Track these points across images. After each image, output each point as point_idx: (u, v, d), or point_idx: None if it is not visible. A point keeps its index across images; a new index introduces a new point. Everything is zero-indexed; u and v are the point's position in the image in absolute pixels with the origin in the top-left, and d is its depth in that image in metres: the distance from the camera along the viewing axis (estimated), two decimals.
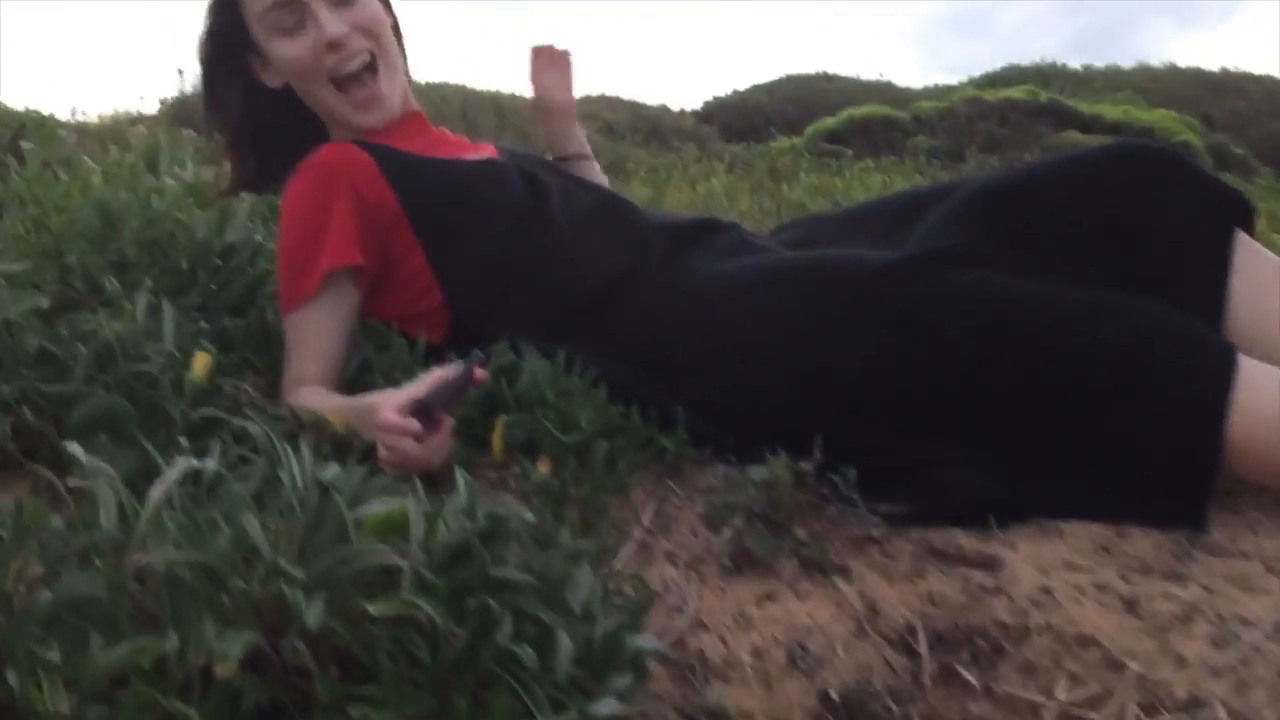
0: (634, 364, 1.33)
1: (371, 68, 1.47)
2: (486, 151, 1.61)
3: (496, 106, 9.22)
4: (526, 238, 1.47)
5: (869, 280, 1.23)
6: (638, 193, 4.56)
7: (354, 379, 1.51)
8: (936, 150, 9.46)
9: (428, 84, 10.74)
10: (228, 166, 1.60)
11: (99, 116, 7.94)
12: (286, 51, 1.43)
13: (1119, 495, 1.16)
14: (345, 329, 1.43)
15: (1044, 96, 10.46)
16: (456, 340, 1.44)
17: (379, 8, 1.50)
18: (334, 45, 1.42)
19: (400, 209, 1.40)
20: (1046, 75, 14.89)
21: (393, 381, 1.36)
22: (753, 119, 15.25)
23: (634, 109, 15.00)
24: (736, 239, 1.50)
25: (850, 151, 10.10)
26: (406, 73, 1.63)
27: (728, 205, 3.90)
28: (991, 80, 14.67)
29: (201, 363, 1.01)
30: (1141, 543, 1.15)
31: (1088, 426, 1.17)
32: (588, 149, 1.76)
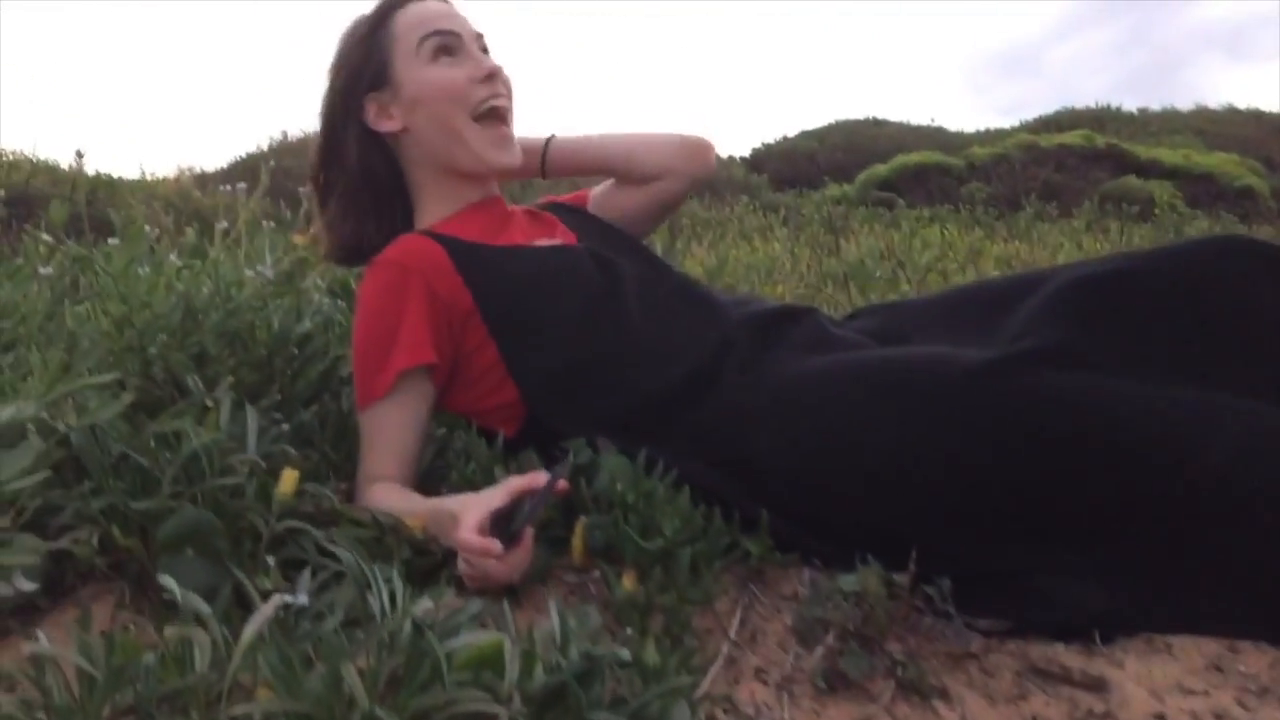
0: (715, 464, 1.30)
1: (508, 114, 1.50)
2: (563, 236, 1.60)
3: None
4: (600, 331, 1.44)
5: (962, 381, 1.18)
6: (698, 256, 4.56)
7: (429, 470, 1.50)
8: (992, 198, 9.37)
9: None
10: (320, 230, 1.60)
11: (165, 176, 8.18)
12: (440, 74, 1.44)
13: (1230, 609, 1.10)
14: (419, 425, 1.42)
15: (1100, 141, 10.33)
16: (531, 435, 1.42)
17: None
18: (491, 77, 1.45)
19: (472, 304, 1.40)
20: (1101, 118, 14.74)
21: (468, 480, 1.35)
22: (803, 166, 15.27)
23: None
24: (817, 331, 1.46)
25: (903, 200, 10.04)
26: None
27: (789, 267, 3.87)
28: (1045, 124, 14.56)
29: (289, 480, 1.01)
30: (1256, 660, 1.09)
31: (1195, 537, 1.11)
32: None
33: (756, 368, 1.37)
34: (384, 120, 1.49)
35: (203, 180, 8.54)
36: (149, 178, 8.34)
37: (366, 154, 1.51)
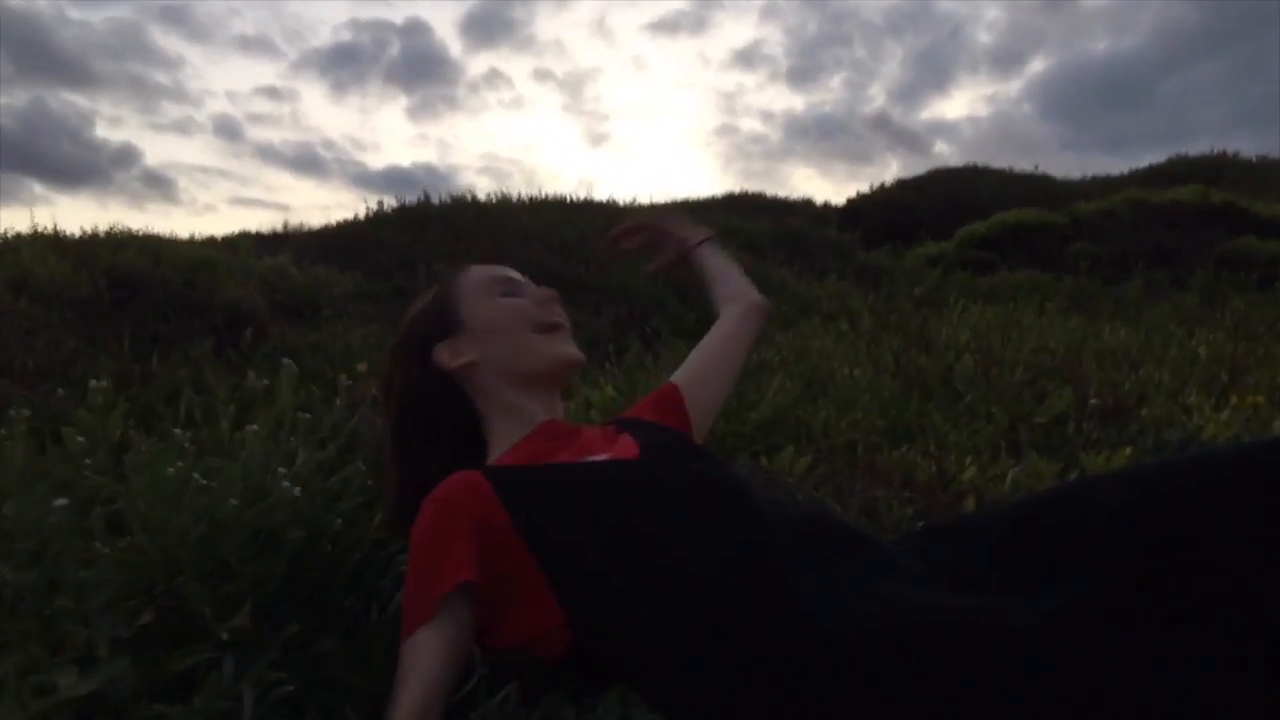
0: (764, 703, 1.18)
1: (567, 328, 1.60)
2: (623, 450, 1.52)
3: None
4: (634, 553, 1.35)
5: (1019, 646, 1.05)
6: (779, 345, 4.43)
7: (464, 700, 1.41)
8: (1098, 259, 8.97)
9: (570, 203, 11.01)
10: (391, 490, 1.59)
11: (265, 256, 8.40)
12: (505, 303, 1.56)
13: None
14: (456, 655, 1.34)
15: (1216, 197, 9.81)
16: (576, 660, 1.34)
17: None
18: (549, 300, 1.57)
19: (510, 522, 1.35)
20: (1218, 166, 14.08)
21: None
22: (899, 218, 14.97)
23: (776, 211, 14.98)
24: (877, 563, 1.34)
25: (1003, 262, 9.70)
26: None
27: (869, 374, 3.70)
28: (1156, 174, 13.97)
29: None
30: None
31: None
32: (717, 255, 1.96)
33: (808, 606, 1.25)
34: (456, 359, 1.55)
35: (303, 247, 8.75)
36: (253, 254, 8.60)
37: (440, 397, 1.57)
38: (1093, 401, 3.15)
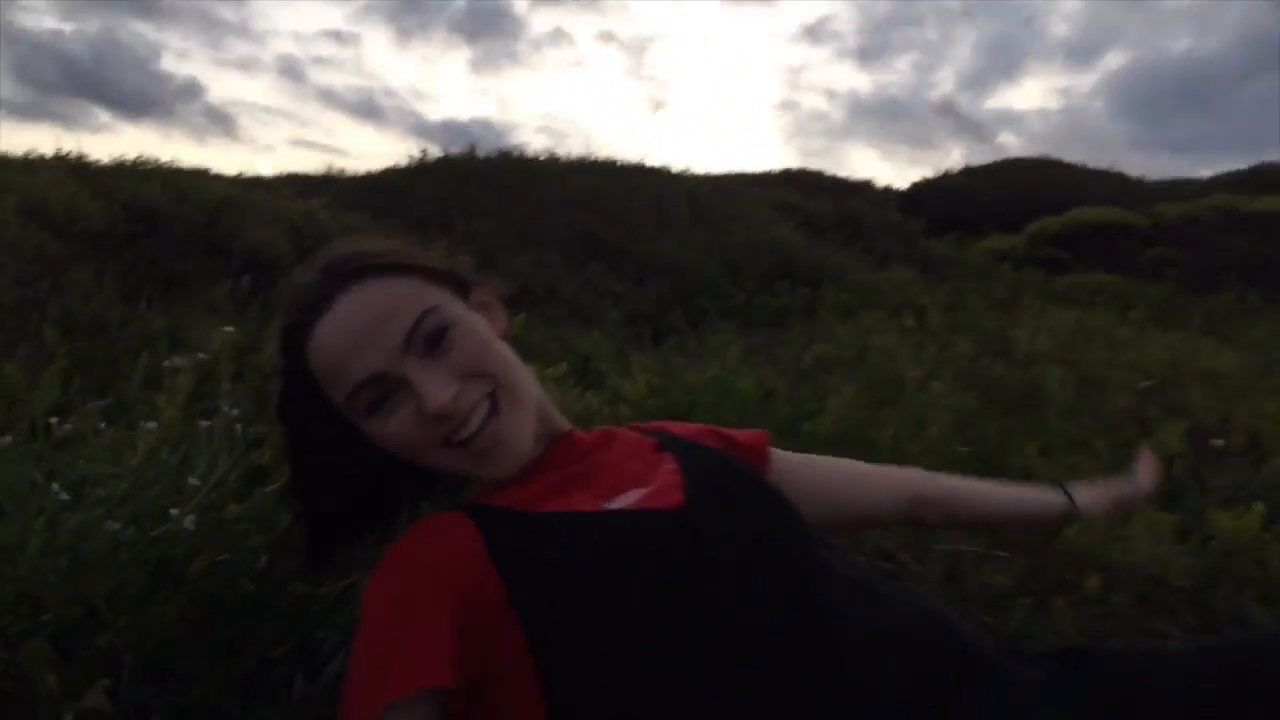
0: None
1: (494, 409, 1.04)
2: (662, 485, 1.06)
3: (692, 198, 8.77)
4: (673, 657, 0.93)
5: None
6: (839, 340, 3.97)
7: None
8: (1181, 267, 8.35)
9: (620, 166, 10.51)
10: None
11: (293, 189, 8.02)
12: (387, 430, 1.03)
13: None
14: None
15: None
16: None
17: (482, 331, 1.06)
18: (441, 418, 1.01)
19: (507, 598, 0.93)
20: None
21: None
22: (964, 207, 14.31)
23: (836, 191, 14.37)
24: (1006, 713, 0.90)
25: (1078, 261, 9.10)
26: (537, 388, 1.13)
27: (947, 380, 3.23)
28: (1242, 181, 13.16)
29: None
30: None
31: None
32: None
33: None
34: (365, 426, 1.07)
35: (343, 193, 8.37)
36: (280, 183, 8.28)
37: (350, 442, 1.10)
38: (1217, 442, 2.66)
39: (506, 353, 1.07)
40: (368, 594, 0.97)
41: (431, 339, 0.99)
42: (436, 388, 0.98)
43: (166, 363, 1.45)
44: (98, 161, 7.03)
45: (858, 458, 2.46)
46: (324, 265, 1.04)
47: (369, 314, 1.00)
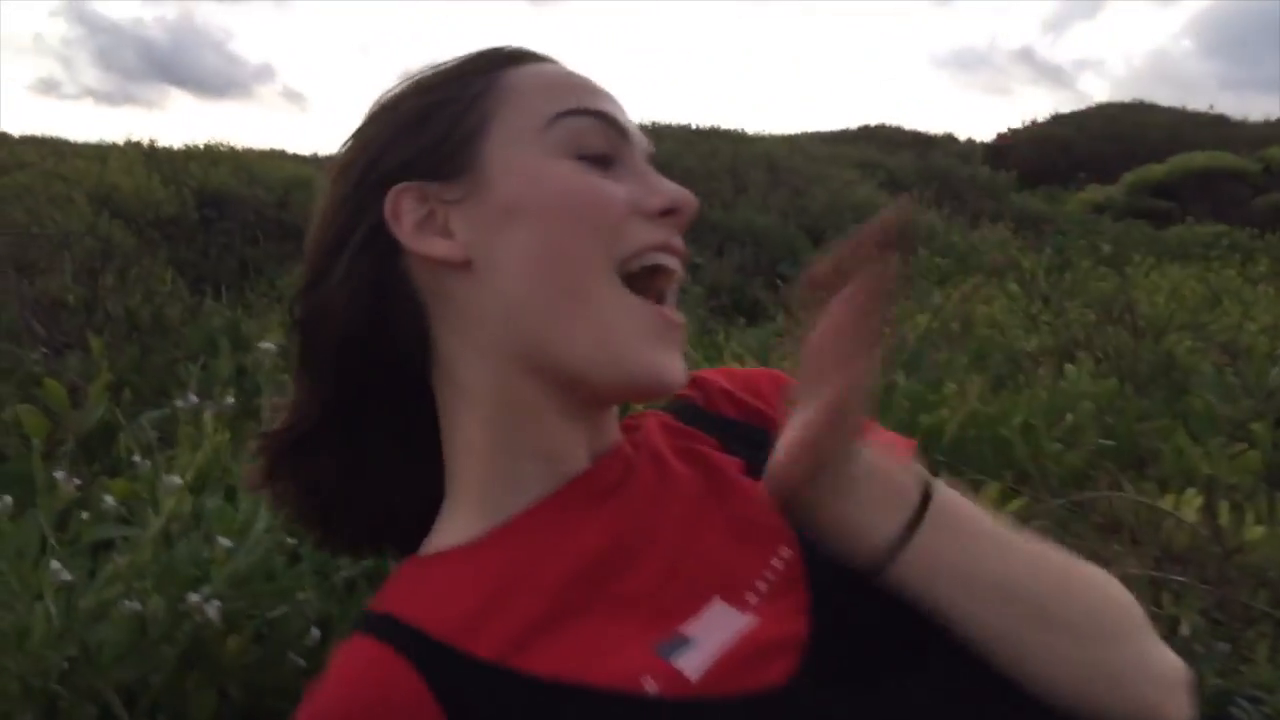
0: None
1: (675, 293, 0.70)
2: (774, 571, 0.67)
3: (769, 161, 8.41)
4: None
5: None
6: (944, 312, 3.66)
7: None
8: None
9: (696, 130, 10.18)
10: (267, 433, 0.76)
11: None
12: (580, 178, 0.66)
13: None
14: None
15: None
16: None
17: None
18: (671, 212, 0.67)
19: None
20: None
21: None
22: (1055, 157, 13.63)
23: (917, 146, 13.81)
24: None
25: (1188, 213, 8.53)
26: None
27: (1067, 351, 2.91)
28: None
29: None
30: None
31: None
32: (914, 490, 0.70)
33: None
34: (426, 235, 0.66)
35: None
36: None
37: (368, 299, 0.68)
38: None
39: None
40: None
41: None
42: (674, 188, 0.69)
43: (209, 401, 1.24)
44: (169, 147, 6.99)
45: (987, 452, 2.18)
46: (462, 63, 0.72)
47: (612, 95, 0.73)
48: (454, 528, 0.67)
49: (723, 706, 0.57)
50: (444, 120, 0.66)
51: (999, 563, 0.62)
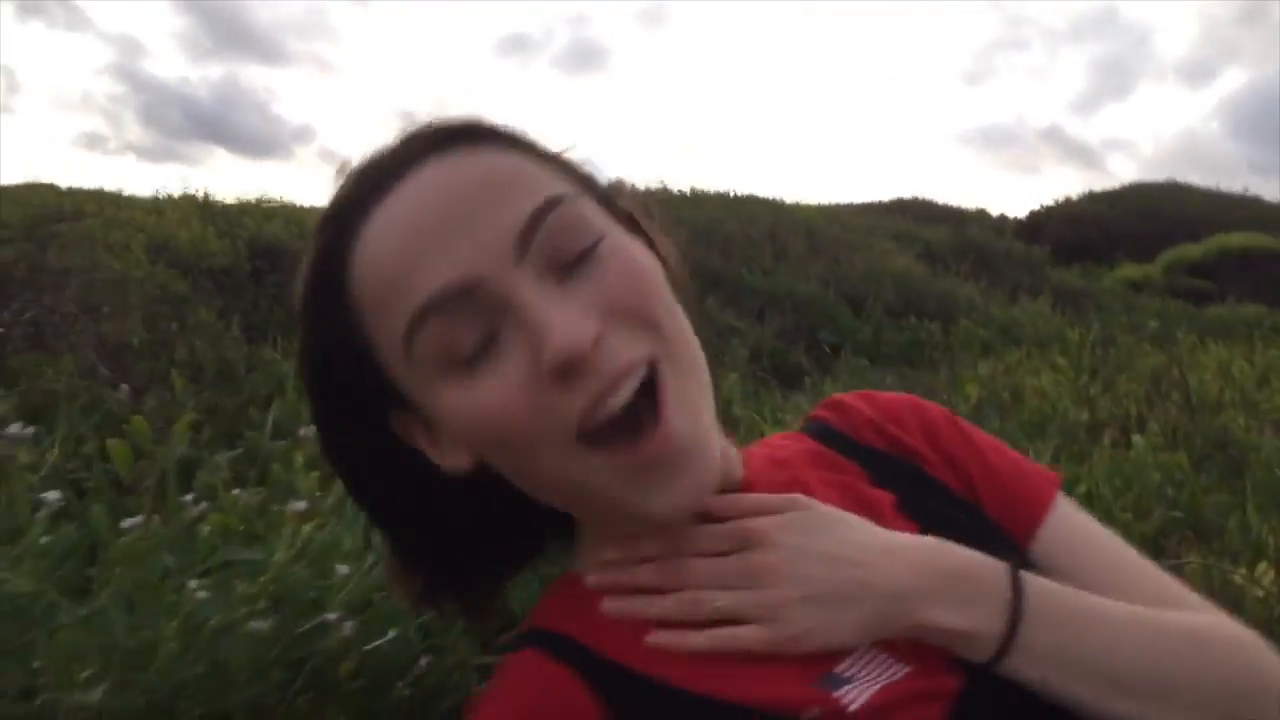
0: None
1: (649, 387, 0.61)
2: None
3: (808, 228, 8.51)
4: None
5: None
6: (988, 383, 3.66)
7: None
8: None
9: (734, 197, 10.30)
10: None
11: None
12: (475, 401, 0.60)
13: None
14: None
15: None
16: None
17: (641, 258, 0.65)
18: (568, 368, 0.58)
19: None
20: None
21: None
22: (1088, 234, 13.66)
23: (950, 219, 13.89)
24: None
25: (1221, 290, 8.51)
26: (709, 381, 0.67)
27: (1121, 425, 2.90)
28: None
29: None
30: None
31: None
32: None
33: None
34: (443, 452, 0.67)
35: None
36: None
37: (407, 456, 0.69)
38: None
39: (675, 305, 0.65)
40: None
41: (560, 250, 0.60)
42: (566, 317, 0.57)
43: (303, 432, 1.27)
44: (222, 200, 7.16)
45: None
46: (397, 135, 0.66)
47: (462, 189, 0.60)
48: (598, 546, 0.69)
49: None
50: (347, 371, 0.65)
51: (1108, 650, 0.64)
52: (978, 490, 0.75)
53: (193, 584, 0.90)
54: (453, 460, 0.65)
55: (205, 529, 1.11)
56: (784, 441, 0.81)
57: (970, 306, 6.45)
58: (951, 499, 0.74)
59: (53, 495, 1.03)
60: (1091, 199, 15.29)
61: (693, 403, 0.62)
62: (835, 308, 6.48)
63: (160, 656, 0.96)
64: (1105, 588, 0.69)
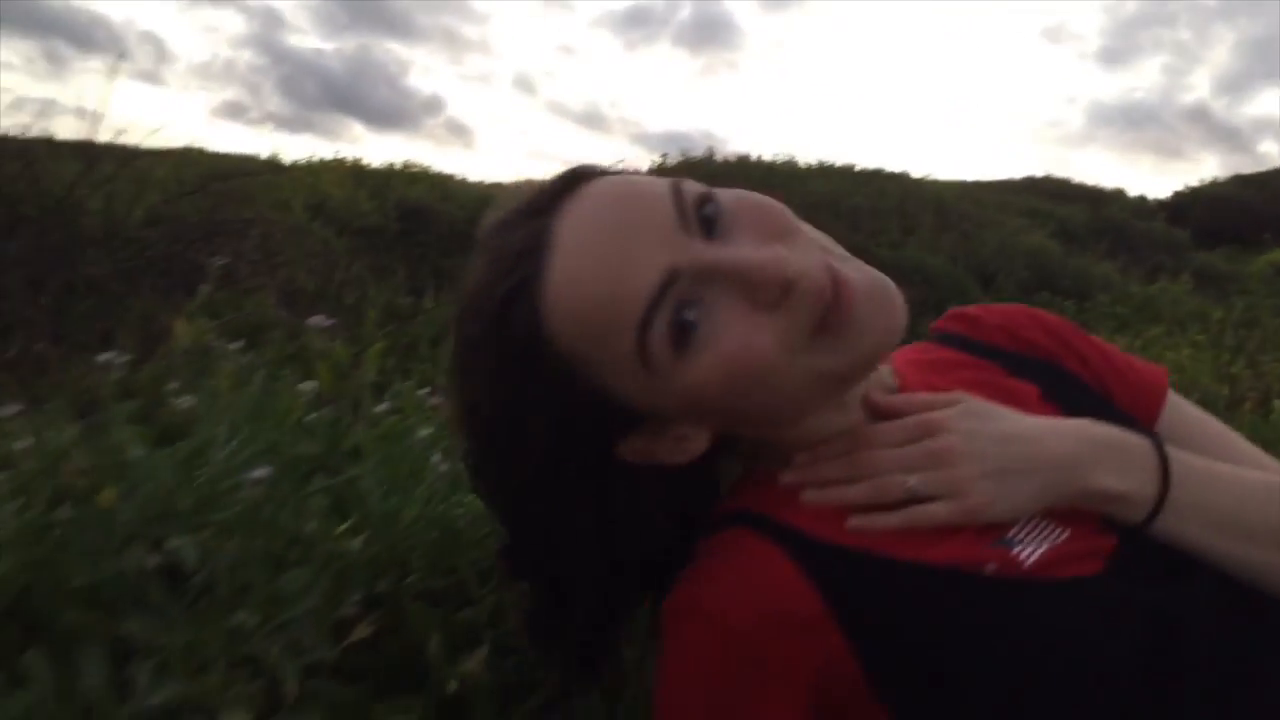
0: None
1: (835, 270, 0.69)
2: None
3: (937, 202, 8.42)
4: None
5: None
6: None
7: None
8: None
9: (860, 172, 10.22)
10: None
11: None
12: (721, 351, 0.66)
13: None
14: None
15: None
16: None
17: (744, 191, 0.73)
18: (786, 285, 0.65)
19: (865, 682, 0.73)
20: None
21: None
22: (1235, 218, 13.05)
23: (1086, 199, 13.45)
24: None
25: None
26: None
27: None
28: None
29: None
30: None
31: None
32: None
33: None
34: (677, 453, 0.75)
35: None
36: None
37: (634, 529, 0.76)
38: None
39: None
40: (669, 670, 0.73)
41: (705, 213, 0.68)
42: (756, 253, 0.66)
43: None
44: (370, 164, 7.55)
45: None
46: (515, 207, 0.72)
47: (615, 210, 0.67)
48: (781, 441, 0.77)
49: (1051, 584, 0.71)
50: (568, 423, 0.70)
51: (1238, 506, 0.76)
52: (1106, 382, 0.87)
53: (436, 457, 1.08)
54: (693, 445, 0.74)
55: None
56: (915, 354, 0.89)
57: (1106, 284, 6.32)
58: (1086, 390, 0.86)
59: (308, 385, 1.23)
60: (1239, 182, 14.57)
61: (861, 270, 0.70)
62: (965, 283, 6.43)
63: (403, 520, 1.15)
64: (1220, 460, 0.81)
